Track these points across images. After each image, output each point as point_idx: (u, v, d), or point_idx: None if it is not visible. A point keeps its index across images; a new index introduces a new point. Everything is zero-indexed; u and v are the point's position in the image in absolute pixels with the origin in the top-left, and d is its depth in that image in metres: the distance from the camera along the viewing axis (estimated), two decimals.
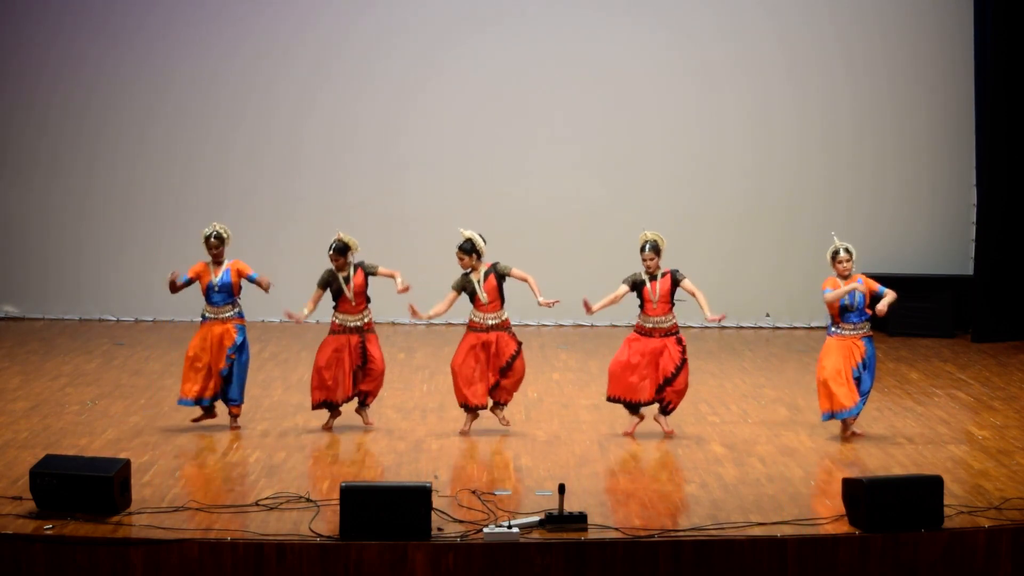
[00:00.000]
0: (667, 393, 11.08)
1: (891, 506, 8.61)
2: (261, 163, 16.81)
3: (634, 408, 11.15)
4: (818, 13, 16.70)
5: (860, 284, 11.05)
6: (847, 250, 11.02)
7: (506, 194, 16.60)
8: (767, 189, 16.82)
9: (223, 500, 9.21)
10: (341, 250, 11.17)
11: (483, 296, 11.09)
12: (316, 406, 11.30)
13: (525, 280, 11.12)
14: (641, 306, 11.10)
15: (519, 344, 11.21)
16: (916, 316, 16.20)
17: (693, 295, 11.04)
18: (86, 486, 8.68)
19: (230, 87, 16.75)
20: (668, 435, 11.11)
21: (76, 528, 8.52)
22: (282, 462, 10.23)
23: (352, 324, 11.24)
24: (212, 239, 11.21)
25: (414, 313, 11.07)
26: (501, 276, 11.15)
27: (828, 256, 11.10)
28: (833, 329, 11.06)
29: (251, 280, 11.28)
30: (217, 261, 11.24)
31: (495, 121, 16.76)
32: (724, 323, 16.71)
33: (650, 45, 16.72)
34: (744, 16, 16.70)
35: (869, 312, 11.09)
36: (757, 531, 8.67)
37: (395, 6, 16.70)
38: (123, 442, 10.73)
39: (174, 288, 11.29)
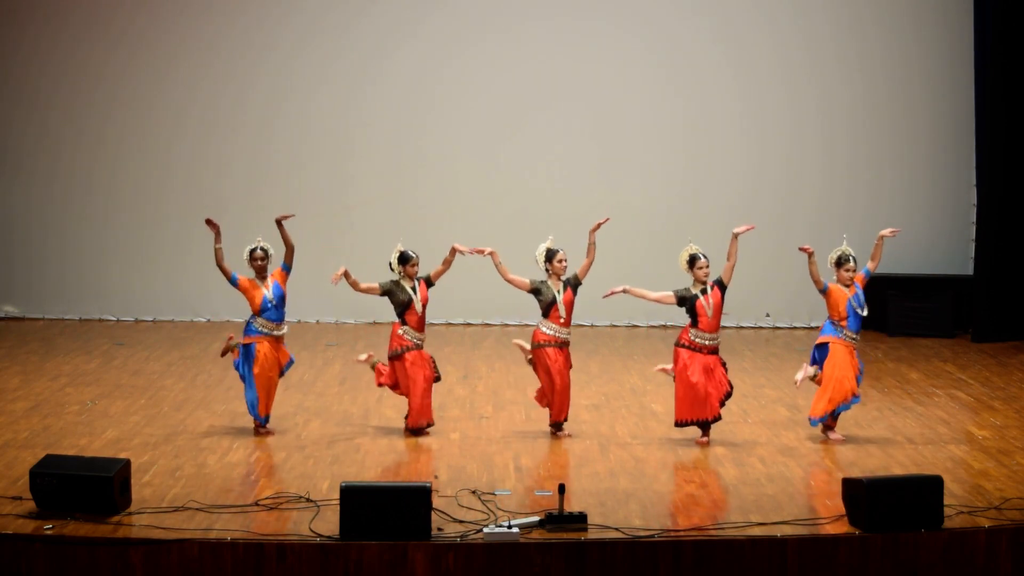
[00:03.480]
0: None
1: (891, 506, 8.61)
2: (266, 162, 16.81)
3: (705, 425, 10.97)
4: (815, 12, 16.70)
5: (859, 290, 11.01)
6: (855, 259, 10.99)
7: (509, 194, 16.62)
8: (766, 189, 16.83)
9: (223, 500, 9.21)
10: (410, 256, 11.03)
11: (562, 310, 10.94)
12: (420, 430, 11.11)
13: (589, 263, 10.98)
14: (695, 322, 10.85)
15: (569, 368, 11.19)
16: (916, 316, 16.22)
17: (731, 256, 10.90)
18: (86, 486, 8.68)
19: (233, 86, 16.77)
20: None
21: (76, 528, 8.52)
22: (282, 462, 10.24)
23: (421, 341, 11.09)
24: (258, 251, 11.05)
25: (495, 262, 10.95)
26: (576, 287, 11.02)
27: (832, 259, 11.03)
28: (837, 332, 11.00)
29: (287, 268, 11.06)
30: (262, 276, 11.11)
31: (501, 121, 16.80)
32: (724, 323, 16.70)
33: (648, 48, 16.74)
34: (741, 18, 16.71)
35: (864, 313, 11.06)
36: (757, 531, 8.67)
37: (404, 5, 16.72)
38: (123, 442, 10.73)
39: (219, 258, 10.93)
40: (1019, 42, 15.65)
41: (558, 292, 10.96)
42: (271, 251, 11.13)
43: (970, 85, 16.30)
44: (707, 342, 10.86)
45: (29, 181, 16.86)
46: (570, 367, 11.12)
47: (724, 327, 16.51)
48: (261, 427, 11.17)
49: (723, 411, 12.01)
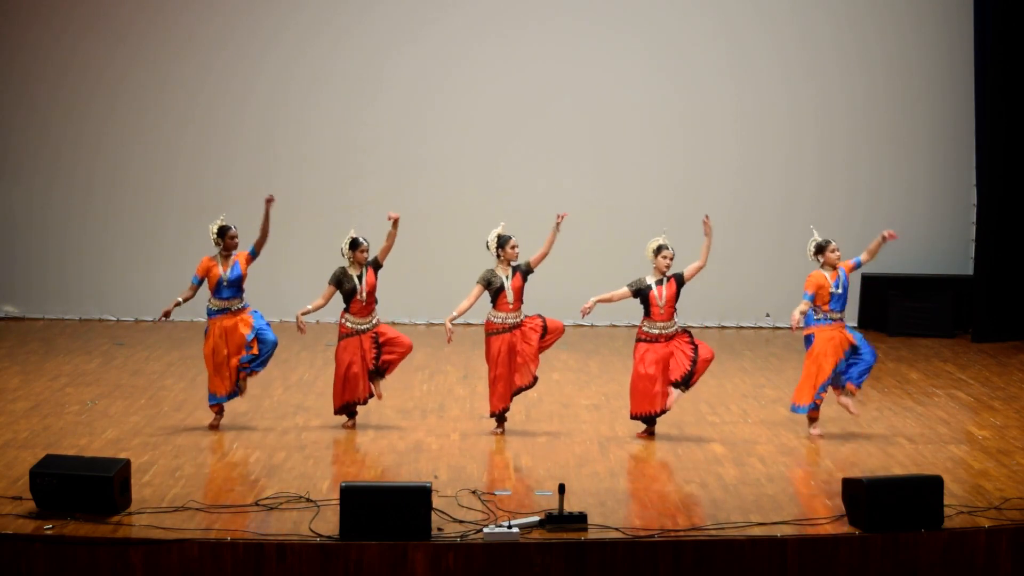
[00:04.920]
0: (697, 367, 10.97)
1: (891, 506, 8.61)
2: (267, 162, 16.80)
3: (652, 419, 11.08)
4: (814, 12, 16.70)
5: (843, 273, 11.08)
6: (833, 241, 11.10)
7: (511, 194, 16.58)
8: (766, 189, 16.84)
9: (223, 500, 9.21)
10: (360, 242, 11.18)
11: (510, 295, 11.07)
12: (339, 411, 11.34)
13: (544, 254, 11.11)
14: (647, 312, 11.00)
15: (540, 316, 11.21)
16: (916, 316, 16.21)
17: (701, 257, 10.94)
18: (86, 486, 8.68)
19: (235, 85, 16.76)
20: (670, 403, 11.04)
21: (76, 528, 8.52)
22: (282, 462, 10.24)
23: (363, 327, 11.26)
24: (233, 228, 11.16)
25: (448, 336, 11.08)
26: (526, 273, 11.14)
27: (811, 250, 11.12)
28: (818, 319, 11.04)
29: (254, 254, 11.20)
30: (229, 253, 11.18)
31: (501, 121, 16.80)
32: (724, 323, 16.75)
33: (648, 49, 16.74)
34: (741, 17, 16.71)
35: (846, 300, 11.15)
36: (757, 531, 8.67)
37: (405, 7, 16.72)
38: (123, 442, 10.73)
39: (185, 299, 11.17)
40: (1019, 42, 15.64)
41: (507, 278, 11.08)
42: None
43: (970, 85, 16.29)
44: (660, 331, 10.96)
45: (30, 181, 16.86)
46: (532, 344, 11.13)
47: (724, 327, 16.73)
48: (215, 416, 11.24)
49: (724, 411, 12.06)
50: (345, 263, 11.25)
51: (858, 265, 11.14)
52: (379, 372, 11.41)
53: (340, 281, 11.23)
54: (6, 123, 16.80)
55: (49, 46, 16.64)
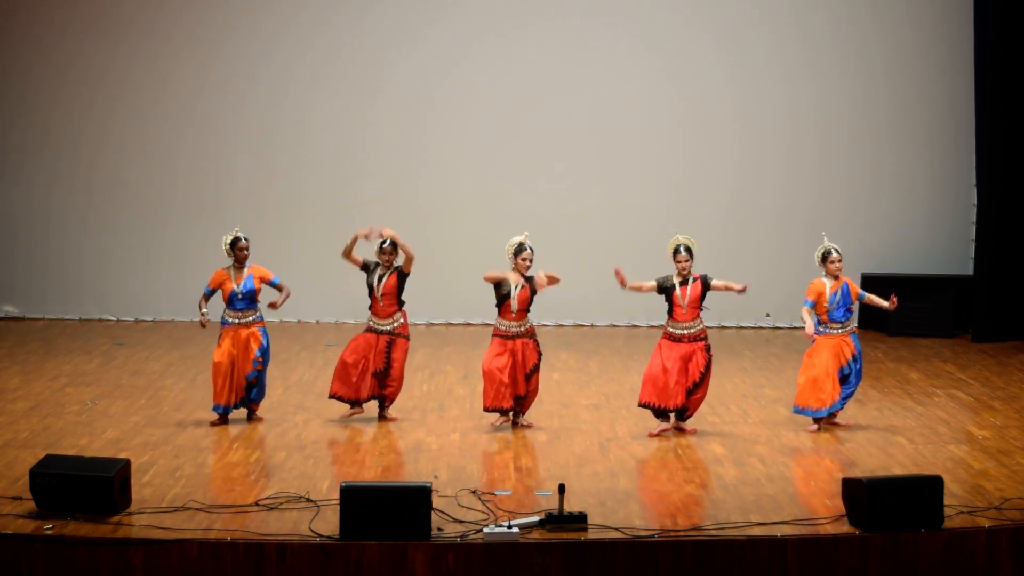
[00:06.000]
0: (690, 400, 11.11)
1: (891, 506, 8.61)
2: (268, 162, 16.81)
3: (664, 413, 11.15)
4: (815, 12, 16.70)
5: (845, 287, 11.24)
6: (838, 251, 11.26)
7: (511, 194, 16.60)
8: (766, 189, 16.83)
9: (223, 500, 9.21)
10: (395, 245, 11.31)
11: (514, 305, 11.14)
12: (332, 396, 11.45)
13: (554, 281, 11.19)
14: (670, 311, 11.07)
15: (539, 356, 11.32)
16: (916, 316, 16.20)
17: (728, 289, 11.02)
18: (86, 486, 8.69)
19: (236, 85, 16.76)
20: (692, 433, 11.16)
21: (76, 528, 8.52)
22: (282, 462, 10.24)
23: (382, 328, 11.38)
24: (244, 240, 11.31)
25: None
26: (535, 291, 11.18)
27: (818, 257, 11.31)
28: (820, 328, 11.18)
29: (273, 284, 11.38)
30: (242, 265, 11.29)
31: (502, 122, 16.78)
32: (724, 323, 16.74)
33: (648, 49, 16.73)
34: (741, 18, 16.70)
35: (852, 310, 11.29)
36: (757, 531, 8.67)
37: (406, 8, 16.72)
38: (123, 442, 10.73)
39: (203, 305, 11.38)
40: (1019, 42, 15.63)
41: (515, 287, 11.13)
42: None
43: (970, 85, 16.29)
44: (683, 331, 11.04)
45: (30, 181, 16.86)
46: (535, 358, 11.27)
47: (724, 327, 16.72)
48: (218, 419, 11.32)
49: (724, 411, 12.05)
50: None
51: (860, 297, 11.39)
52: (381, 406, 11.56)
53: (367, 268, 11.42)
54: (6, 123, 16.81)
55: (50, 46, 16.64)
